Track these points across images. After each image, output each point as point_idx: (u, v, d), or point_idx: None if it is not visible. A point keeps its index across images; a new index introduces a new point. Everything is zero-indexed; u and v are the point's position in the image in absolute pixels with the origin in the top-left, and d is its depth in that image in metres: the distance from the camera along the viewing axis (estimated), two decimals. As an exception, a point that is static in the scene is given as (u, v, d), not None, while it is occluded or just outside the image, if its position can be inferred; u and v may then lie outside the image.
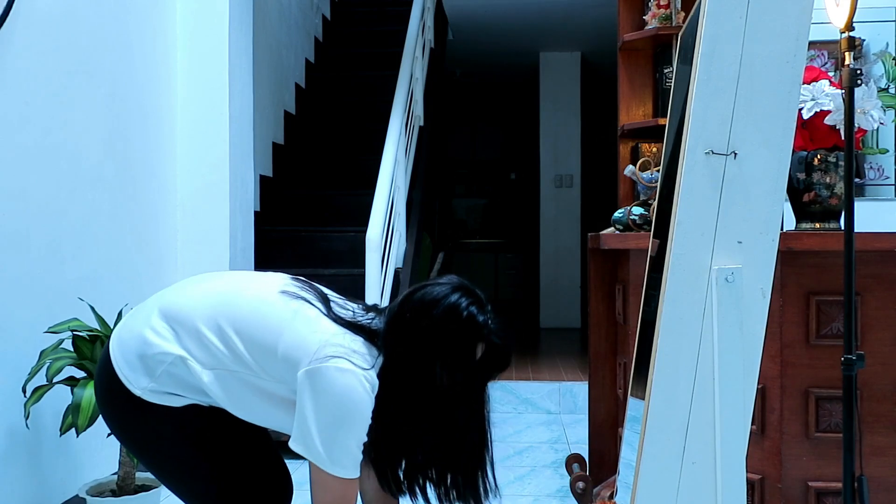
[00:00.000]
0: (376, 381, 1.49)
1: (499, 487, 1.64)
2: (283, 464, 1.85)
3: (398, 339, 1.52)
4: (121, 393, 1.58)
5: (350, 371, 1.46)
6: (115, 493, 2.55)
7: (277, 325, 1.52)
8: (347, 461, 1.47)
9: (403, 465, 1.60)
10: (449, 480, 1.59)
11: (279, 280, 1.64)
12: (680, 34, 2.00)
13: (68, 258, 2.80)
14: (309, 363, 1.46)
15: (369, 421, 1.48)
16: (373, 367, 1.50)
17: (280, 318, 1.53)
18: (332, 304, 1.59)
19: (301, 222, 5.00)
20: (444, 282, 1.57)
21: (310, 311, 1.55)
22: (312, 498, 1.51)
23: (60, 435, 2.43)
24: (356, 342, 1.50)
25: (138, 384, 1.56)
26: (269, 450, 1.85)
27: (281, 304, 1.56)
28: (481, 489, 1.62)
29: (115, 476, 2.59)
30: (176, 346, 1.54)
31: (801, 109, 2.16)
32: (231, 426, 1.69)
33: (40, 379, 2.42)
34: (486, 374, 1.63)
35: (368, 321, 1.57)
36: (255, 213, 4.20)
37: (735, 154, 1.45)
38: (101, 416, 1.69)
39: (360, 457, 1.49)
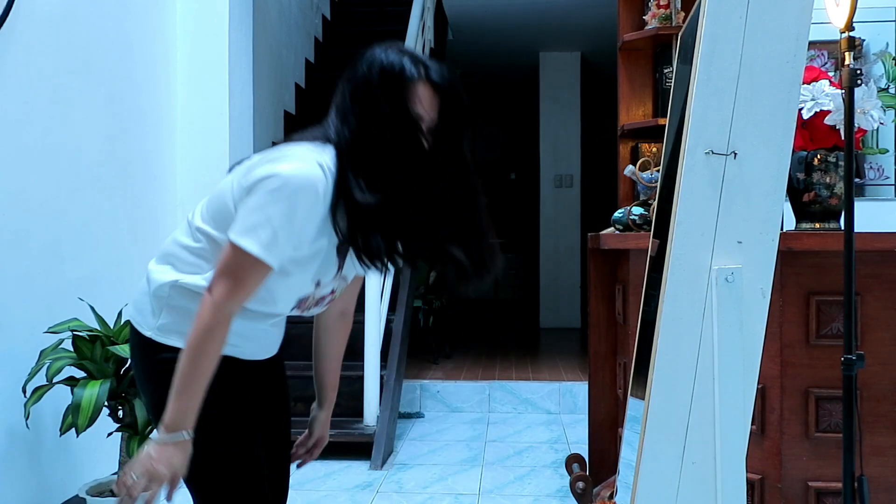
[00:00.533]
0: (334, 167, 1.37)
1: (494, 261, 1.47)
2: (288, 468, 1.73)
3: (344, 118, 1.42)
4: (140, 346, 1.51)
5: (297, 156, 1.35)
6: (114, 493, 2.55)
7: (226, 189, 1.43)
8: (264, 235, 1.30)
9: (392, 244, 1.43)
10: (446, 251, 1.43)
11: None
12: (680, 34, 2.00)
13: (68, 258, 2.80)
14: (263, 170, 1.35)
15: (319, 206, 1.34)
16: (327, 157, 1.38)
17: (226, 185, 1.45)
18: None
19: (301, 222, 4.99)
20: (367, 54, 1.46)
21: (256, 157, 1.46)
22: (214, 278, 1.36)
23: (60, 435, 2.43)
24: (301, 148, 1.39)
25: (147, 324, 1.48)
26: (282, 446, 1.68)
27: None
28: (484, 261, 1.45)
29: (115, 476, 2.59)
30: (169, 274, 1.47)
31: (801, 109, 2.16)
32: (251, 405, 1.55)
33: (40, 379, 2.42)
34: (444, 126, 1.44)
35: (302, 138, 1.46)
36: (255, 213, 4.20)
37: (735, 154, 1.45)
38: (137, 385, 1.59)
39: (281, 247, 1.33)
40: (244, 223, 1.32)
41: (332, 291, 1.54)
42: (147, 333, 1.48)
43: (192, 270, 1.45)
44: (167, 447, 1.34)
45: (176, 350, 1.39)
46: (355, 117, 1.40)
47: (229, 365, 1.46)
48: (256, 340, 1.54)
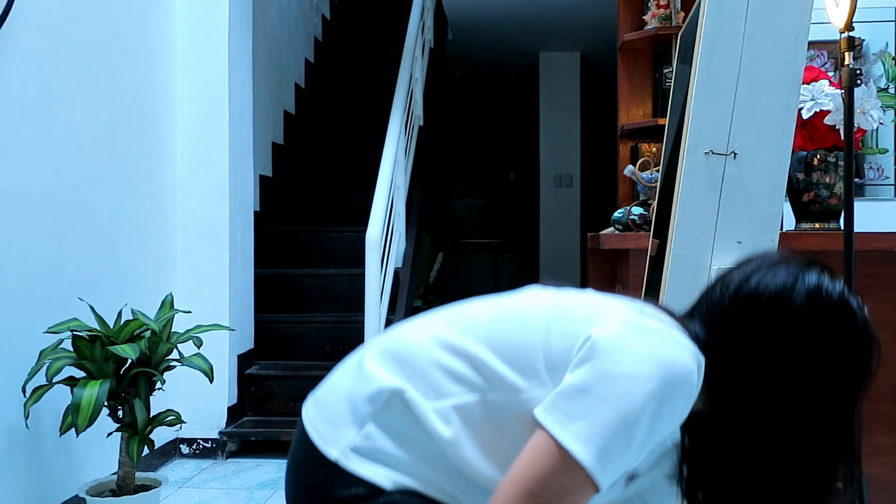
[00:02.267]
0: (703, 360, 1.01)
1: None
2: None
3: (737, 349, 1.05)
4: (314, 471, 1.07)
5: (670, 335, 1.00)
6: (114, 493, 2.55)
7: (538, 317, 1.05)
8: (615, 448, 0.92)
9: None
10: None
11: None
12: (680, 34, 2.00)
13: (68, 258, 2.80)
14: (595, 330, 0.99)
15: (683, 414, 0.98)
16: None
17: (541, 311, 1.06)
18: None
19: (301, 222, 5.00)
20: (773, 258, 1.10)
21: (581, 297, 1.09)
22: (507, 479, 0.96)
23: (60, 435, 2.43)
24: (666, 320, 1.04)
25: (338, 440, 1.06)
26: None
27: (536, 298, 1.11)
28: None
29: (115, 476, 2.59)
30: (392, 378, 1.06)
31: (800, 109, 2.16)
32: None
33: (40, 379, 2.42)
34: (859, 380, 1.12)
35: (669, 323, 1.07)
36: (255, 213, 4.20)
37: (735, 154, 1.45)
38: None
39: (629, 458, 0.96)
40: (587, 420, 0.92)
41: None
42: (332, 455, 1.05)
43: (425, 388, 1.05)
44: None
45: (369, 488, 1.02)
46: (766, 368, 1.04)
47: None
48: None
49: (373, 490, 1.02)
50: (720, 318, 1.06)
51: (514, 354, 1.02)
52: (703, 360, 1.00)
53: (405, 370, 1.06)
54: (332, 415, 1.07)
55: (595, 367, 0.94)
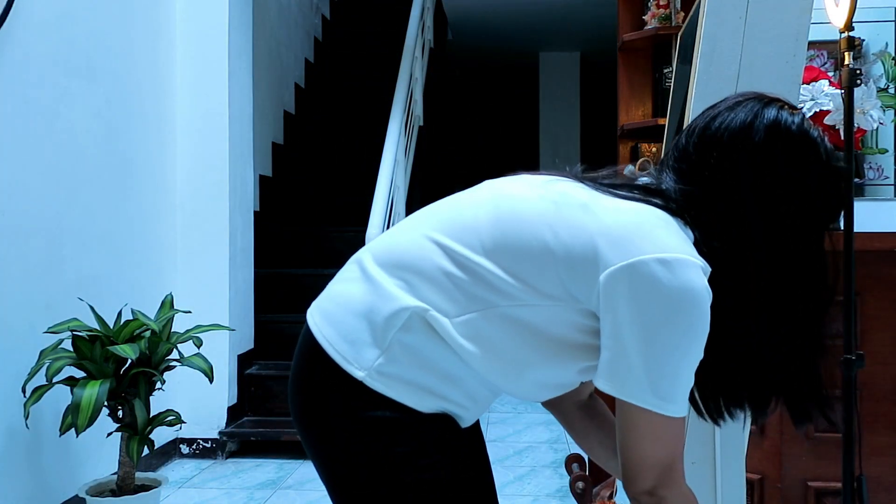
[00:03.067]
0: (709, 270, 1.02)
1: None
2: None
3: (711, 194, 1.05)
4: (339, 391, 1.06)
5: (685, 262, 0.98)
6: (114, 493, 2.55)
7: (539, 219, 1.02)
8: (678, 391, 0.99)
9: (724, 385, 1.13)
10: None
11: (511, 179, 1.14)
12: (679, 34, 2.00)
13: (68, 258, 2.80)
14: (617, 258, 0.97)
15: (708, 329, 1.00)
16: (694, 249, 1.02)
17: (540, 212, 1.03)
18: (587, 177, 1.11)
19: (301, 222, 5.00)
20: (734, 100, 1.11)
21: (573, 190, 1.06)
22: (623, 453, 1.02)
23: (60, 435, 2.42)
24: (664, 219, 1.02)
25: (363, 361, 1.04)
26: None
27: (528, 192, 1.07)
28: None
29: (115, 476, 2.59)
30: (410, 298, 1.04)
31: (800, 109, 2.16)
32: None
33: (40, 379, 2.42)
34: (828, 213, 1.16)
35: (649, 183, 1.08)
36: (255, 212, 4.20)
37: (735, 154, 1.45)
38: (303, 440, 1.14)
39: (692, 384, 1.01)
40: (654, 381, 0.97)
41: None
42: (358, 375, 1.04)
43: (440, 304, 1.03)
44: None
45: (396, 408, 1.03)
46: (761, 217, 1.05)
47: (456, 429, 1.09)
48: (481, 407, 1.14)
49: (398, 411, 1.03)
50: (688, 166, 1.08)
51: (527, 266, 1.01)
52: (709, 270, 1.01)
53: (421, 286, 1.04)
54: (350, 333, 1.06)
55: (630, 322, 0.97)
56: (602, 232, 0.99)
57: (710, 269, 1.01)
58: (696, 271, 0.98)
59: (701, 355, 1.00)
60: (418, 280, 1.04)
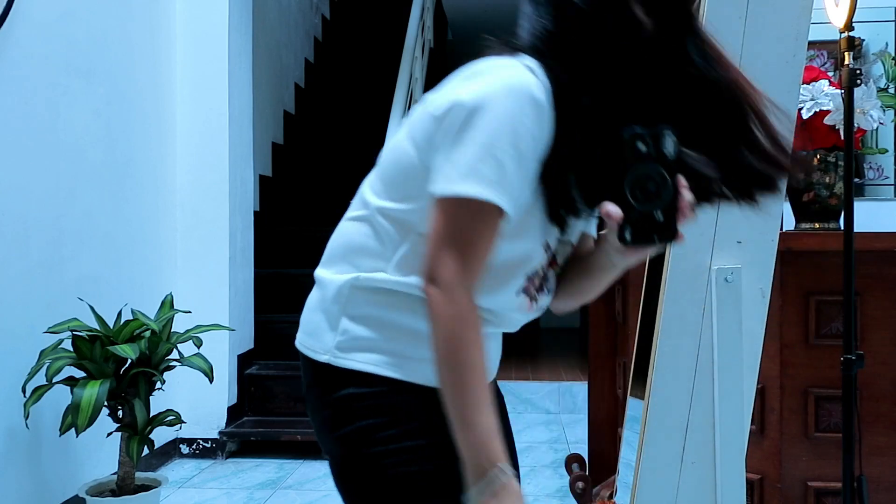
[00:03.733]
0: (548, 83, 0.97)
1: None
2: None
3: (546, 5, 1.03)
4: (315, 382, 1.09)
5: (508, 63, 0.97)
6: (114, 493, 2.55)
7: (400, 141, 1.05)
8: (486, 169, 0.92)
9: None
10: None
11: None
12: (679, 34, 2.00)
13: (68, 258, 2.80)
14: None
15: (545, 120, 0.95)
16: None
17: (399, 136, 1.07)
18: None
19: (301, 222, 5.00)
20: None
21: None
22: (425, 255, 0.97)
23: (60, 435, 2.43)
24: (495, 59, 1.01)
25: (324, 345, 1.06)
26: None
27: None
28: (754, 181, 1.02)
29: (115, 476, 2.59)
30: (339, 274, 1.07)
31: (800, 109, 2.16)
32: None
33: (40, 379, 2.42)
34: None
35: None
36: (255, 212, 4.20)
37: (735, 154, 1.45)
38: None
39: (511, 182, 0.94)
40: (453, 165, 0.94)
41: (554, 262, 1.11)
42: (322, 358, 1.06)
43: (373, 264, 1.05)
44: (490, 502, 0.93)
45: (364, 380, 1.03)
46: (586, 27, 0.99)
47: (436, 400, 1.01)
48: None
49: (367, 384, 1.03)
50: (527, 24, 1.06)
51: (411, 183, 1.02)
52: (547, 83, 0.96)
53: (353, 262, 1.07)
54: (311, 327, 1.10)
55: (443, 128, 0.96)
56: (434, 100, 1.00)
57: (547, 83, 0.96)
58: (515, 70, 0.96)
59: (529, 156, 0.95)
60: (348, 258, 1.07)
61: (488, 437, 0.94)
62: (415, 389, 1.04)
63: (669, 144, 0.92)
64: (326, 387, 1.06)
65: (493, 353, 1.14)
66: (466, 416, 0.94)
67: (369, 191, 1.07)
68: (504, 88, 0.94)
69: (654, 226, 0.93)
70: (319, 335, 1.08)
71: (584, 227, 1.14)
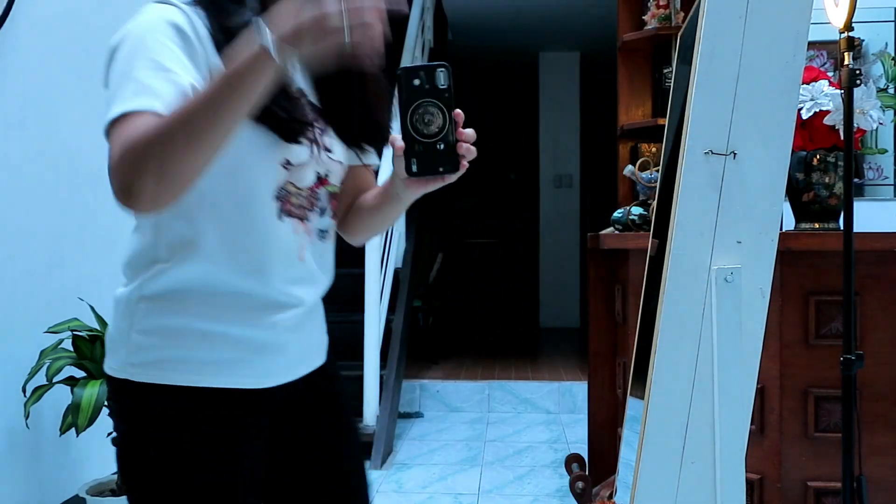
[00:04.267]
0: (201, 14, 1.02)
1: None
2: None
3: None
4: (120, 407, 1.08)
5: (151, 7, 1.04)
6: (114, 493, 2.55)
7: None
8: (126, 91, 1.01)
9: None
10: None
11: None
12: (679, 34, 2.00)
13: (68, 258, 2.80)
14: None
15: (187, 36, 1.00)
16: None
17: None
18: None
19: (301, 222, 5.00)
20: None
21: None
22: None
23: (60, 435, 2.43)
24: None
25: (116, 359, 1.06)
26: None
27: None
28: None
29: (115, 476, 2.59)
30: (132, 279, 1.10)
31: (800, 109, 2.16)
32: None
33: (40, 379, 2.42)
34: None
35: None
36: (255, 212, 4.20)
37: (734, 154, 1.45)
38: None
39: (156, 87, 0.98)
40: (106, 101, 1.04)
41: (324, 181, 1.12)
42: (122, 376, 1.05)
43: (148, 260, 1.07)
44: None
45: (159, 392, 1.02)
46: None
47: (213, 405, 1.03)
48: (273, 346, 1.07)
49: (158, 393, 1.03)
50: None
51: None
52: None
53: (126, 271, 1.11)
54: (110, 346, 1.10)
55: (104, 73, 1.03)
56: None
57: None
58: (151, 9, 1.01)
59: (176, 68, 0.97)
60: (130, 268, 1.11)
61: (212, 84, 0.91)
62: (212, 393, 1.04)
63: (442, 78, 0.96)
64: (123, 401, 1.06)
65: (305, 334, 1.12)
66: (198, 113, 0.90)
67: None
68: (137, 25, 0.99)
69: (437, 156, 0.97)
70: (116, 348, 1.07)
71: (344, 148, 1.16)
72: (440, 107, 0.95)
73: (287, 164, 1.05)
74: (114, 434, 1.11)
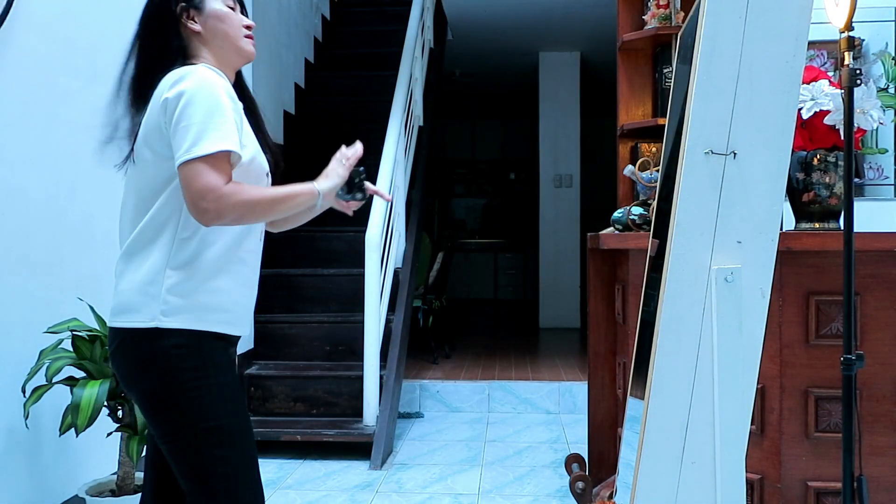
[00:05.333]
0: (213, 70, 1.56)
1: None
2: None
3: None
4: (133, 343, 1.54)
5: (189, 70, 1.51)
6: (114, 493, 2.55)
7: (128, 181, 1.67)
8: (227, 132, 1.45)
9: None
10: None
11: None
12: (679, 34, 2.00)
13: (68, 258, 2.80)
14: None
15: (232, 94, 1.53)
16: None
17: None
18: None
19: (300, 222, 4.99)
20: None
21: None
22: (189, 199, 1.45)
23: (60, 435, 2.42)
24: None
25: (145, 314, 1.52)
26: None
27: None
28: None
29: (115, 476, 2.59)
30: (152, 258, 1.55)
31: (800, 109, 2.16)
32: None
33: (40, 379, 2.42)
34: None
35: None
36: (255, 213, 4.19)
37: (735, 154, 1.45)
38: (139, 406, 1.57)
39: (235, 130, 1.48)
40: (193, 137, 1.41)
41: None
42: (149, 325, 1.50)
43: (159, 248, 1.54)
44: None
45: (184, 336, 1.48)
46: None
47: (221, 351, 1.57)
48: (247, 290, 1.61)
49: (183, 337, 1.51)
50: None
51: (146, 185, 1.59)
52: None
53: (141, 251, 1.62)
54: (129, 305, 1.60)
55: (173, 117, 1.46)
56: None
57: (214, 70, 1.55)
58: (203, 70, 1.50)
59: (225, 109, 1.46)
60: (141, 249, 1.64)
61: (283, 194, 1.52)
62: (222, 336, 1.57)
63: (362, 173, 1.67)
64: (149, 342, 1.50)
65: (254, 287, 1.66)
66: (273, 206, 1.51)
67: (131, 214, 1.64)
68: (205, 81, 1.48)
69: (357, 192, 1.67)
70: (142, 309, 1.52)
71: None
72: (362, 179, 1.69)
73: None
74: (137, 388, 1.54)
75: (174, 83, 1.47)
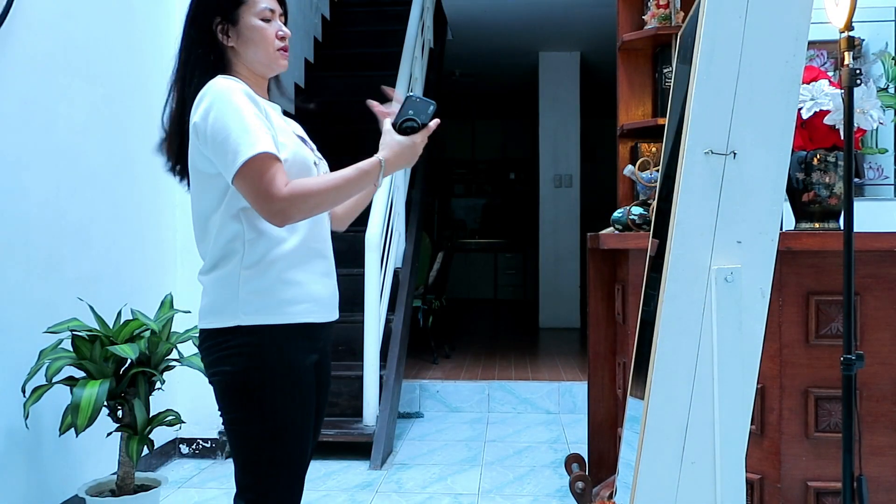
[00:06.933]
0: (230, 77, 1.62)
1: None
2: None
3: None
4: (216, 343, 1.59)
5: (213, 82, 1.58)
6: (114, 493, 2.55)
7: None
8: (256, 135, 1.51)
9: None
10: None
11: None
12: (679, 34, 2.00)
13: (68, 258, 2.80)
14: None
15: (252, 97, 1.58)
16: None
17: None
18: None
19: (300, 222, 4.99)
20: None
21: None
22: (256, 206, 1.52)
23: (60, 435, 2.43)
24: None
25: (225, 316, 1.57)
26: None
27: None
28: None
29: (115, 476, 2.59)
30: (229, 263, 1.62)
31: (800, 109, 2.16)
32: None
33: (40, 379, 2.42)
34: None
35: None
36: (255, 212, 4.19)
37: (734, 154, 1.45)
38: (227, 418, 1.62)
39: (264, 130, 1.53)
40: (230, 151, 1.48)
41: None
42: (231, 324, 1.56)
43: (236, 254, 1.60)
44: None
45: (265, 333, 1.54)
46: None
47: (303, 350, 1.61)
48: (325, 279, 1.66)
49: (255, 335, 1.55)
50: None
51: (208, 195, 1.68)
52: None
53: (225, 257, 1.68)
54: (213, 308, 1.63)
55: (206, 138, 1.54)
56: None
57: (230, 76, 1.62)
58: (217, 81, 1.57)
59: (246, 113, 1.52)
60: (225, 254, 1.70)
61: (344, 176, 1.58)
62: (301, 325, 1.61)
63: (430, 110, 1.67)
64: (227, 340, 1.56)
65: (333, 275, 1.72)
66: (340, 190, 1.57)
67: (204, 231, 1.79)
68: (226, 89, 1.55)
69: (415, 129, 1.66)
70: (224, 311, 1.57)
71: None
72: (418, 128, 1.67)
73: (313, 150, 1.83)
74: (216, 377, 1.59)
75: (197, 105, 1.55)
